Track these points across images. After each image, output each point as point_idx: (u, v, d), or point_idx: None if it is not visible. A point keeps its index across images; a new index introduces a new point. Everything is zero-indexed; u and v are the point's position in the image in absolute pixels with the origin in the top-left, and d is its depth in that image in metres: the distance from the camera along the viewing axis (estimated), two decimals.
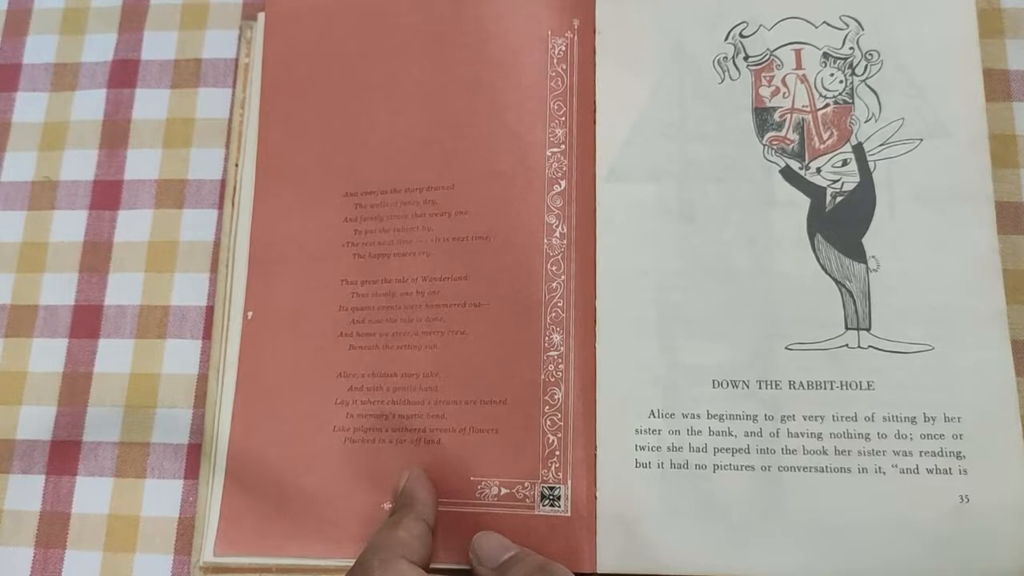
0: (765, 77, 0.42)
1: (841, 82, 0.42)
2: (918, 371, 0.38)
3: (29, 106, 0.48)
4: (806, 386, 0.38)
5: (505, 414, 0.38)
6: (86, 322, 0.44)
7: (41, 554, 0.41)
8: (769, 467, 0.38)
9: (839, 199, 0.40)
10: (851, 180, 0.40)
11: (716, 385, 0.39)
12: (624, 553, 0.37)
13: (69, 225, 0.46)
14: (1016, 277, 0.40)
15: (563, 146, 0.41)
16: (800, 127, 0.41)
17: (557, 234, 0.40)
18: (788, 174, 0.41)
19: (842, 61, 0.42)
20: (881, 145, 0.41)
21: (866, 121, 0.41)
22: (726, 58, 0.42)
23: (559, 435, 0.38)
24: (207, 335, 0.43)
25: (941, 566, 0.36)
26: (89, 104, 0.47)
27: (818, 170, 0.41)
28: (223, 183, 0.45)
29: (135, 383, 0.43)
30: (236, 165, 0.44)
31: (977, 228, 0.39)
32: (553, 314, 0.39)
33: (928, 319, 0.38)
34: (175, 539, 0.41)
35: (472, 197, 0.41)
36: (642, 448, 0.38)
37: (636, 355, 0.39)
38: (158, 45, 0.48)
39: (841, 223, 0.40)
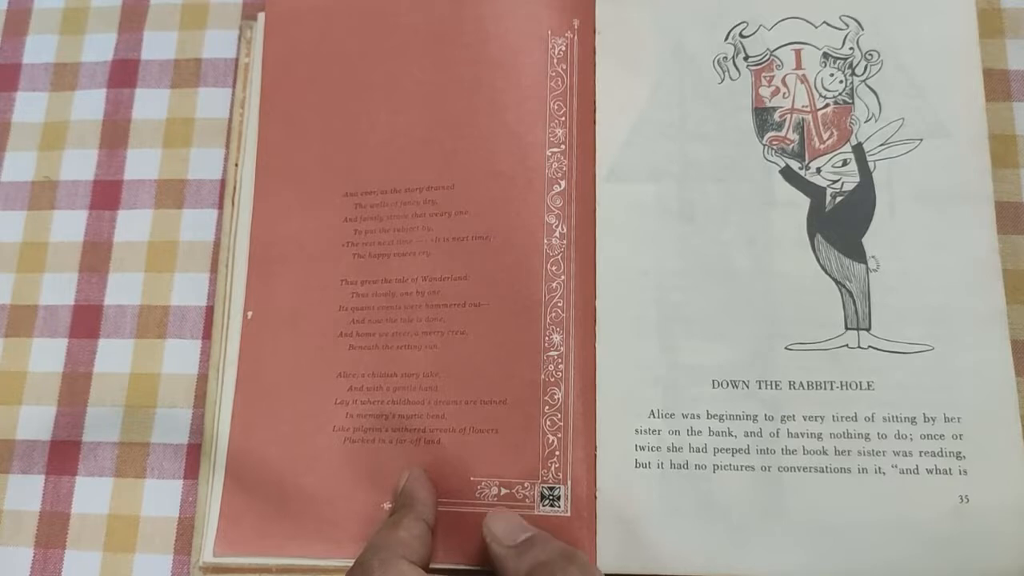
0: (765, 77, 0.42)
1: (841, 82, 0.42)
2: (918, 371, 0.38)
3: (29, 106, 0.48)
4: (806, 386, 0.38)
5: (505, 414, 0.38)
6: (86, 322, 0.44)
7: (41, 554, 0.41)
8: (769, 467, 0.38)
9: (839, 199, 0.40)
10: (851, 180, 0.40)
11: (716, 385, 0.39)
12: (624, 553, 0.37)
13: (69, 225, 0.46)
14: (1016, 277, 0.40)
15: (563, 146, 0.41)
16: (800, 127, 0.41)
17: (557, 234, 0.40)
18: (788, 174, 0.41)
19: (842, 61, 0.42)
20: (881, 145, 0.41)
21: (866, 121, 0.41)
22: (726, 58, 0.42)
23: (559, 435, 0.38)
24: (207, 335, 0.43)
25: (941, 566, 0.36)
26: (89, 104, 0.47)
27: (818, 170, 0.41)
28: (223, 183, 0.45)
29: (135, 383, 0.43)
30: (236, 165, 0.44)
31: (977, 228, 0.39)
32: (553, 314, 0.39)
33: (928, 319, 0.38)
34: (175, 539, 0.41)
35: (472, 197, 0.41)
36: (642, 448, 0.38)
37: (636, 355, 0.39)
38: (158, 45, 0.48)
39: (841, 223, 0.40)
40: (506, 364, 0.39)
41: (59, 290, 0.45)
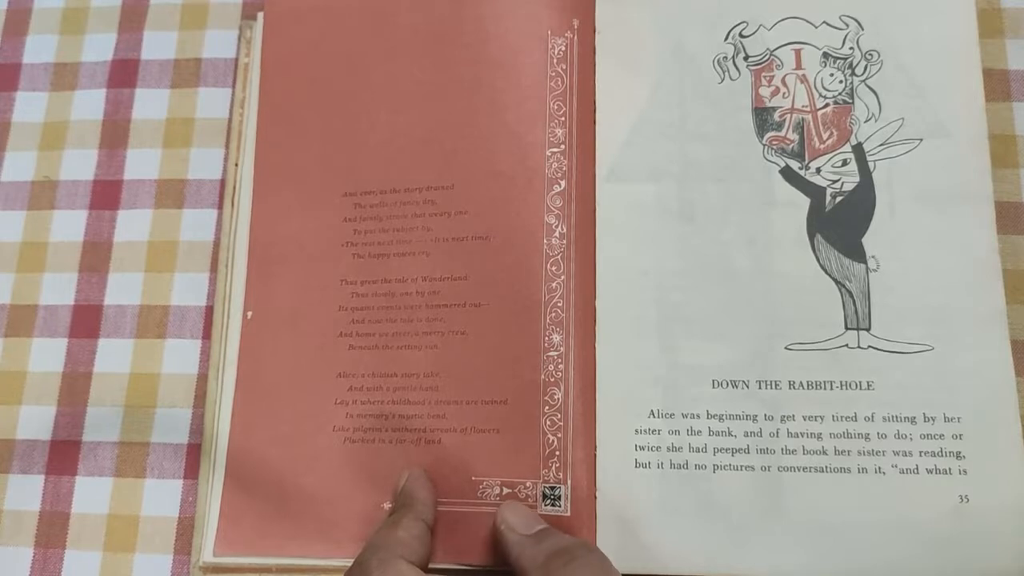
0: (765, 77, 0.42)
1: (841, 82, 0.42)
2: (918, 371, 0.38)
3: (29, 106, 0.48)
4: (806, 386, 0.38)
5: (506, 414, 0.38)
6: (86, 322, 0.44)
7: (41, 554, 0.41)
8: (769, 467, 0.38)
9: (839, 199, 0.40)
10: (851, 180, 0.40)
11: (716, 385, 0.39)
12: (624, 553, 0.37)
13: (69, 225, 0.46)
14: (1016, 277, 0.40)
15: (563, 146, 0.41)
16: (800, 127, 0.41)
17: (557, 234, 0.40)
18: (788, 174, 0.41)
19: (842, 61, 0.42)
20: (881, 145, 0.41)
21: (866, 121, 0.41)
22: (726, 58, 0.42)
23: (559, 435, 0.38)
24: (207, 335, 0.43)
25: (941, 566, 0.36)
26: (89, 104, 0.47)
27: (818, 170, 0.41)
28: (223, 183, 0.45)
29: (135, 383, 0.43)
30: (236, 165, 0.44)
31: (977, 228, 0.39)
32: (553, 314, 0.39)
33: (928, 319, 0.38)
34: (175, 539, 0.41)
35: (472, 197, 0.41)
36: (642, 448, 0.38)
37: (636, 355, 0.39)
38: (158, 45, 0.48)
39: (841, 223, 0.40)
40: (506, 364, 0.39)
41: (59, 290, 0.45)
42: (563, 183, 0.41)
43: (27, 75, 0.48)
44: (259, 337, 0.42)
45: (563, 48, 0.42)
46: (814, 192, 0.40)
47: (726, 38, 0.43)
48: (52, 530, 0.41)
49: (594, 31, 0.43)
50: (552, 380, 0.38)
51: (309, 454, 0.40)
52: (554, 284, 0.39)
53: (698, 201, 0.41)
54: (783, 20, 0.43)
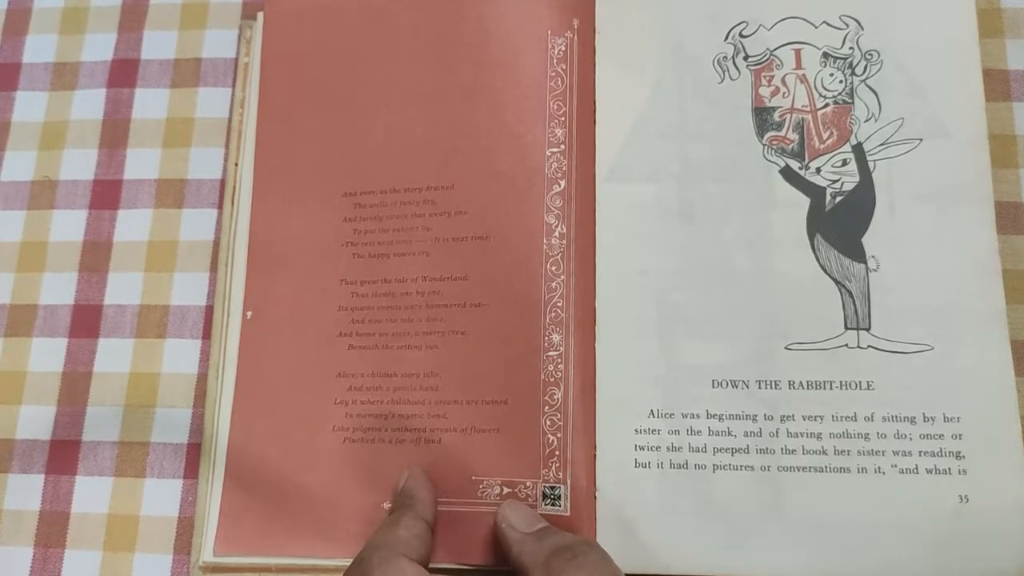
0: (765, 77, 0.42)
1: (841, 82, 0.42)
2: (918, 371, 0.38)
3: (29, 105, 0.48)
4: (806, 386, 0.38)
5: (506, 414, 0.38)
6: (86, 322, 0.44)
7: (40, 554, 0.41)
8: (769, 467, 0.38)
9: (839, 199, 0.40)
10: (851, 180, 0.40)
11: (716, 385, 0.39)
12: (624, 552, 0.36)
13: (69, 225, 0.46)
14: (1016, 277, 0.40)
15: (563, 146, 0.41)
16: (800, 127, 0.41)
17: (557, 234, 0.40)
18: (788, 174, 0.41)
19: (842, 61, 0.42)
20: (881, 145, 0.41)
21: (866, 121, 0.41)
22: (726, 58, 0.42)
23: (558, 435, 0.38)
24: (207, 335, 0.43)
25: (941, 566, 0.36)
26: (89, 103, 0.47)
27: (818, 170, 0.41)
28: (223, 183, 0.45)
29: (135, 383, 0.43)
30: (236, 164, 0.44)
31: (977, 228, 0.39)
32: (553, 314, 0.39)
33: (928, 319, 0.38)
34: (175, 539, 0.41)
35: (472, 197, 0.41)
36: (642, 448, 0.38)
37: (636, 355, 0.39)
38: (158, 44, 0.48)
39: (841, 223, 0.40)
40: (506, 364, 0.39)
41: (59, 290, 0.45)
42: (563, 183, 0.41)
43: (27, 75, 0.48)
44: (259, 337, 0.42)
45: (563, 48, 0.42)
46: (814, 192, 0.40)
47: (726, 38, 0.43)
48: (52, 530, 0.41)
49: (594, 31, 0.43)
50: (552, 380, 0.38)
51: (309, 454, 0.40)
52: (554, 284, 0.39)
53: (698, 201, 0.41)
54: (783, 20, 0.43)
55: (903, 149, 0.40)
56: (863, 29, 0.42)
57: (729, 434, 0.38)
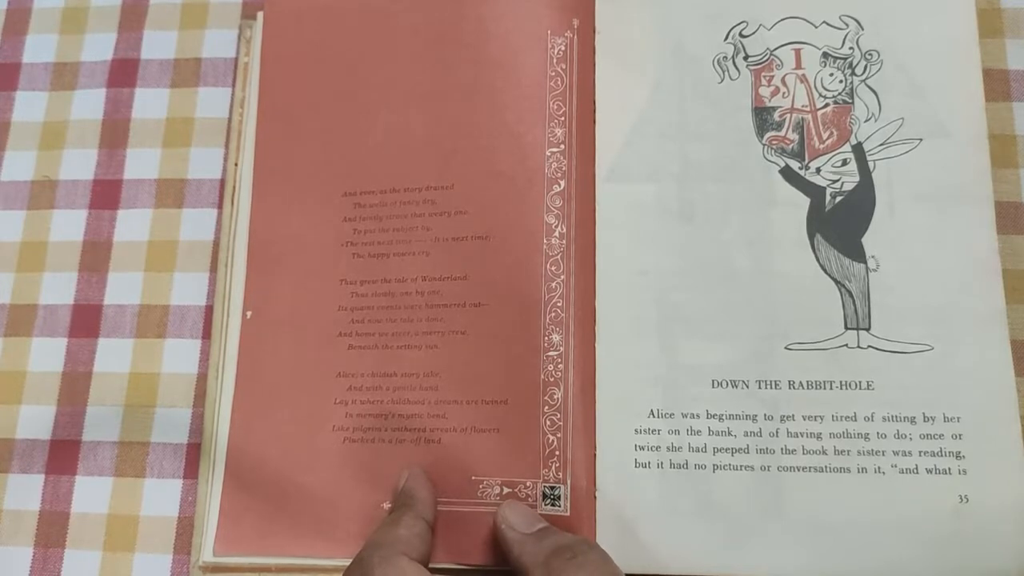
0: (765, 77, 0.42)
1: (841, 82, 0.42)
2: (918, 371, 0.38)
3: (29, 105, 0.48)
4: (805, 386, 0.38)
5: (506, 414, 0.38)
6: (85, 322, 0.44)
7: (40, 554, 0.41)
8: (768, 467, 0.38)
9: (839, 199, 0.40)
10: (851, 180, 0.40)
11: (716, 385, 0.39)
12: (623, 552, 0.36)
13: (69, 225, 0.46)
14: (1016, 277, 0.40)
15: (563, 146, 0.41)
16: (800, 127, 0.41)
17: (556, 234, 0.40)
18: (788, 174, 0.41)
19: (842, 61, 0.42)
20: (881, 145, 0.41)
21: (866, 121, 0.41)
22: (726, 58, 0.42)
23: (558, 435, 0.38)
24: (207, 335, 0.43)
25: (941, 566, 0.36)
26: (89, 103, 0.47)
27: (818, 170, 0.41)
28: (223, 182, 0.45)
29: (134, 382, 0.43)
30: (236, 164, 0.44)
31: (977, 228, 0.39)
32: (553, 314, 0.39)
33: (928, 319, 0.38)
34: (174, 539, 0.41)
35: (472, 197, 0.41)
36: (642, 448, 0.38)
37: (636, 355, 0.39)
38: (158, 44, 0.48)
39: (841, 223, 0.40)
40: (506, 364, 0.39)
41: (59, 290, 0.45)
42: (563, 183, 0.41)
43: (27, 74, 0.48)
44: (259, 337, 0.42)
45: (563, 48, 0.42)
46: (814, 192, 0.40)
47: (726, 38, 0.43)
48: (52, 530, 0.41)
49: (594, 31, 0.43)
50: (552, 380, 0.38)
51: (309, 453, 0.40)
52: (554, 284, 0.39)
53: (698, 201, 0.41)
54: (783, 20, 0.43)
55: (903, 149, 0.40)
56: (863, 29, 0.42)
57: (729, 434, 0.38)
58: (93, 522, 0.41)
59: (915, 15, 0.42)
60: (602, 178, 0.41)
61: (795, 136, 0.41)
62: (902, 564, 0.36)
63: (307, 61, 0.44)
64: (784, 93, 0.42)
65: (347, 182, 0.43)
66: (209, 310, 0.43)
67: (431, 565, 0.36)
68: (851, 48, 0.42)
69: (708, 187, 0.41)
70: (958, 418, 0.37)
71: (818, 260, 0.40)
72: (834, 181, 0.41)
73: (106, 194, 0.46)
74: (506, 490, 0.38)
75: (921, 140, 0.40)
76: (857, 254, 0.39)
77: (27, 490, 0.42)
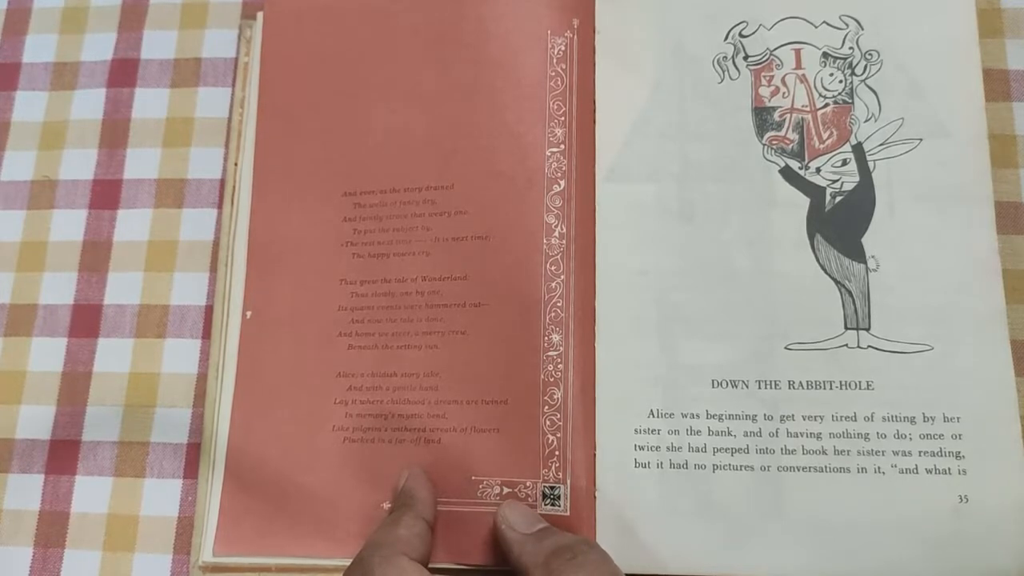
0: (765, 77, 0.42)
1: (841, 82, 0.42)
2: (918, 371, 0.38)
3: (28, 105, 0.48)
4: (805, 386, 0.38)
5: (506, 414, 0.38)
6: (85, 321, 0.44)
7: (40, 554, 0.41)
8: (768, 467, 0.38)
9: (839, 199, 0.40)
10: (851, 180, 0.40)
11: (715, 385, 0.39)
12: (623, 553, 0.36)
13: (69, 224, 0.46)
14: (1016, 277, 0.40)
15: (563, 146, 0.41)
16: (800, 127, 0.41)
17: (556, 234, 0.40)
18: (788, 174, 0.41)
19: (842, 61, 0.42)
20: (881, 145, 0.41)
21: (866, 121, 0.41)
22: (726, 58, 0.42)
23: (558, 435, 0.38)
24: (206, 334, 0.43)
25: (941, 566, 0.36)
26: (89, 103, 0.47)
27: (818, 170, 0.41)
28: (223, 182, 0.45)
29: (134, 382, 0.43)
30: (236, 164, 0.44)
31: (977, 228, 0.39)
32: (553, 314, 0.39)
33: (928, 319, 0.38)
34: (174, 539, 0.41)
35: (472, 197, 0.41)
36: (641, 448, 0.38)
37: (636, 355, 0.39)
38: (158, 44, 0.48)
39: (841, 223, 0.40)
40: (506, 364, 0.39)
41: (59, 289, 0.45)
42: (563, 183, 0.41)
43: (27, 74, 0.48)
44: (258, 337, 0.42)
45: (563, 48, 0.42)
46: (814, 192, 0.40)
47: (726, 38, 0.43)
48: (52, 530, 0.41)
49: (594, 31, 0.43)
50: (552, 380, 0.38)
51: (309, 453, 0.40)
52: (554, 284, 0.39)
53: (698, 201, 0.41)
54: (783, 20, 0.43)
55: (903, 149, 0.40)
56: (863, 29, 0.42)
57: (729, 434, 0.38)
58: (93, 522, 0.41)
59: (915, 15, 0.42)
60: (602, 178, 0.41)
61: (795, 136, 0.41)
62: (902, 564, 0.36)
63: (307, 61, 0.44)
64: (784, 93, 0.42)
65: (347, 182, 0.43)
66: (209, 310, 0.43)
67: (431, 565, 0.36)
68: (851, 48, 0.42)
69: (708, 187, 0.41)
70: (958, 418, 0.37)
71: (818, 260, 0.40)
72: (834, 181, 0.41)
73: (106, 194, 0.46)
74: (506, 490, 0.38)
75: (921, 140, 0.40)
76: (857, 254, 0.39)
77: (27, 490, 0.42)
